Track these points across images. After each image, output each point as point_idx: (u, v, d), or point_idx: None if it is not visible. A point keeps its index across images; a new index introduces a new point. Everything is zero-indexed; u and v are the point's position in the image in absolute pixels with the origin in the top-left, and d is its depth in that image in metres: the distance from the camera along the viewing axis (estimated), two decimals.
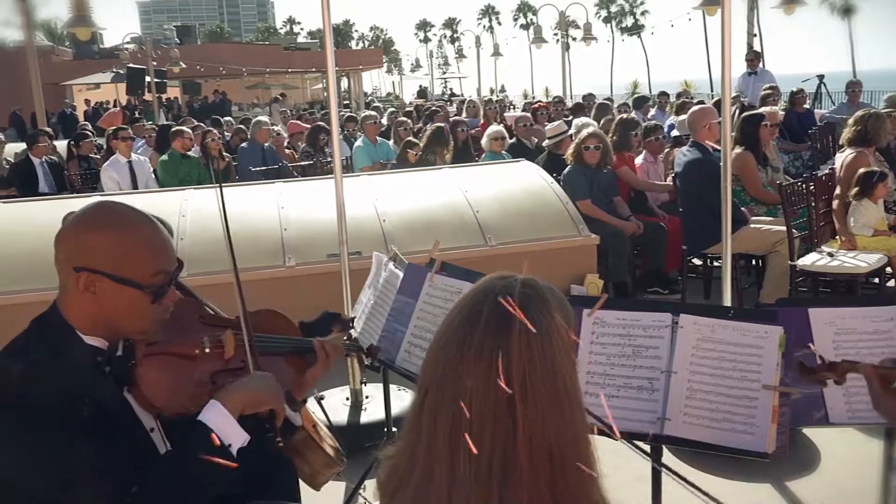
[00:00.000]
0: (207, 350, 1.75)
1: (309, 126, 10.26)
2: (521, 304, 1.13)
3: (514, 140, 8.23)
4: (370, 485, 3.10)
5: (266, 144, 8.55)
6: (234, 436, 1.62)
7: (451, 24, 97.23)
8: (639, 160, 6.87)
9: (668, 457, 2.90)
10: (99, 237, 1.60)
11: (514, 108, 18.90)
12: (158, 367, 1.68)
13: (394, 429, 3.40)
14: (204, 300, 2.06)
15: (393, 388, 3.47)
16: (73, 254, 1.60)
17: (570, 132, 7.07)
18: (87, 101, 30.46)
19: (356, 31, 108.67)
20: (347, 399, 4.17)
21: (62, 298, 1.65)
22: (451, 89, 52.36)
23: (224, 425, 1.62)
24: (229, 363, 1.77)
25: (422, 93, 36.78)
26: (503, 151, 7.48)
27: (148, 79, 18.83)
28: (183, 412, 1.69)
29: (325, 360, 2.05)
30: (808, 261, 5.12)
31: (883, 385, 1.46)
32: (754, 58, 12.33)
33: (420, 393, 1.17)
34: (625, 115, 7.47)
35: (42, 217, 4.94)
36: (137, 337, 1.69)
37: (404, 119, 9.34)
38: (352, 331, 2.97)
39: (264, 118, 9.96)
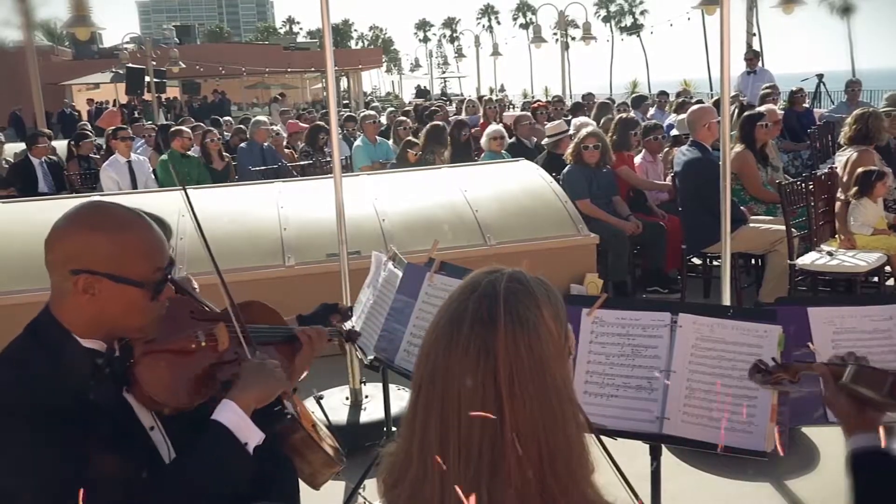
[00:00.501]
0: (203, 344, 1.78)
1: (308, 125, 10.27)
2: (506, 298, 1.13)
3: (513, 139, 8.24)
4: (370, 484, 3.10)
5: (265, 144, 8.55)
6: (251, 434, 1.66)
7: (450, 23, 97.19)
8: (638, 159, 6.87)
9: (667, 456, 2.90)
10: (96, 238, 1.59)
11: (513, 108, 18.89)
12: (158, 365, 1.69)
13: (393, 428, 3.40)
14: (192, 293, 2.09)
15: (392, 387, 3.47)
16: (70, 256, 1.58)
17: (570, 132, 7.07)
18: (89, 101, 30.41)
19: (355, 30, 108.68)
20: (347, 399, 4.17)
21: (57, 302, 1.63)
22: (443, 90, 51.99)
23: (240, 424, 1.65)
24: (223, 355, 1.81)
25: (421, 92, 36.71)
26: (502, 151, 7.49)
27: (147, 79, 18.83)
28: (184, 407, 1.71)
29: (308, 343, 2.08)
30: (808, 260, 5.12)
31: (835, 382, 1.48)
32: (753, 57, 12.33)
33: (414, 390, 1.17)
34: (624, 115, 7.47)
35: (42, 217, 4.90)
36: (136, 335, 1.69)
37: (403, 118, 9.34)
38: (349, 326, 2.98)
39: (263, 118, 9.96)
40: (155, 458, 1.68)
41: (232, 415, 1.65)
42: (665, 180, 6.72)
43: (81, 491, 1.44)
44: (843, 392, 1.46)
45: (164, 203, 5.35)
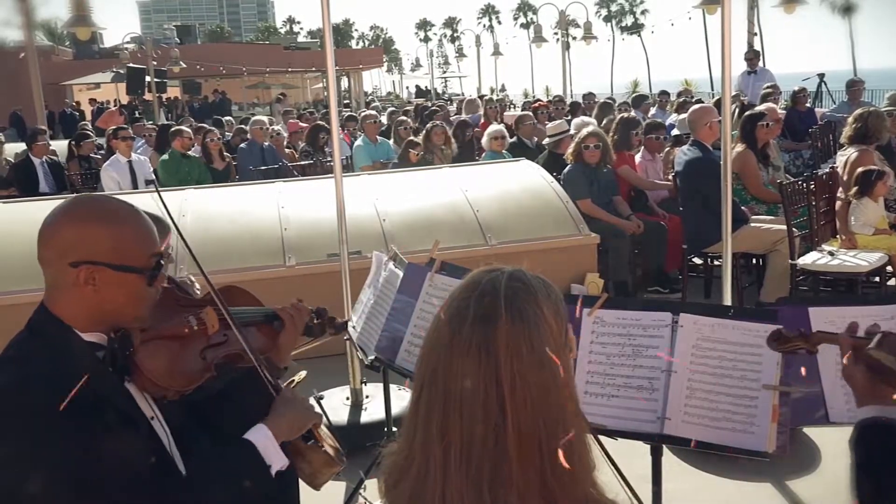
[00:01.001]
0: (196, 328, 1.83)
1: (308, 125, 10.27)
2: (506, 296, 1.13)
3: (514, 139, 8.23)
4: (370, 484, 3.10)
5: (266, 144, 8.55)
6: (276, 459, 1.77)
7: (451, 23, 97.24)
8: (637, 158, 6.87)
9: (667, 456, 2.90)
10: (91, 229, 1.61)
11: (514, 108, 18.89)
12: (159, 351, 1.74)
13: (394, 428, 3.40)
14: (179, 284, 2.12)
15: (393, 387, 3.47)
16: (67, 249, 1.59)
17: (571, 131, 7.07)
18: (92, 101, 30.36)
19: (356, 30, 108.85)
20: (347, 399, 4.17)
21: (54, 297, 1.63)
22: (437, 90, 51.71)
23: (268, 446, 1.76)
24: (213, 338, 1.88)
25: (421, 92, 36.69)
26: (503, 150, 7.48)
27: (148, 78, 18.83)
28: (184, 391, 1.77)
29: (291, 321, 2.10)
30: (809, 260, 5.11)
31: (856, 355, 1.47)
32: (754, 56, 12.33)
33: (415, 390, 1.17)
34: (626, 115, 7.47)
35: (42, 217, 4.93)
36: (134, 324, 1.70)
37: (404, 118, 9.34)
38: (351, 330, 2.98)
39: (263, 118, 9.96)
40: (159, 448, 1.70)
41: (263, 437, 1.76)
42: (665, 179, 6.71)
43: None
44: (862, 362, 1.46)
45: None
